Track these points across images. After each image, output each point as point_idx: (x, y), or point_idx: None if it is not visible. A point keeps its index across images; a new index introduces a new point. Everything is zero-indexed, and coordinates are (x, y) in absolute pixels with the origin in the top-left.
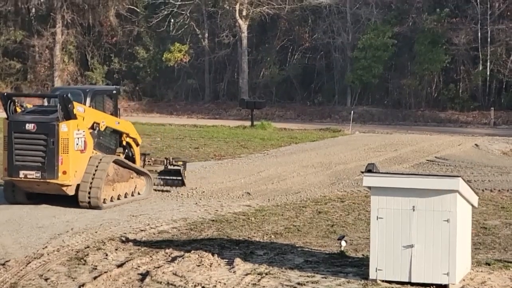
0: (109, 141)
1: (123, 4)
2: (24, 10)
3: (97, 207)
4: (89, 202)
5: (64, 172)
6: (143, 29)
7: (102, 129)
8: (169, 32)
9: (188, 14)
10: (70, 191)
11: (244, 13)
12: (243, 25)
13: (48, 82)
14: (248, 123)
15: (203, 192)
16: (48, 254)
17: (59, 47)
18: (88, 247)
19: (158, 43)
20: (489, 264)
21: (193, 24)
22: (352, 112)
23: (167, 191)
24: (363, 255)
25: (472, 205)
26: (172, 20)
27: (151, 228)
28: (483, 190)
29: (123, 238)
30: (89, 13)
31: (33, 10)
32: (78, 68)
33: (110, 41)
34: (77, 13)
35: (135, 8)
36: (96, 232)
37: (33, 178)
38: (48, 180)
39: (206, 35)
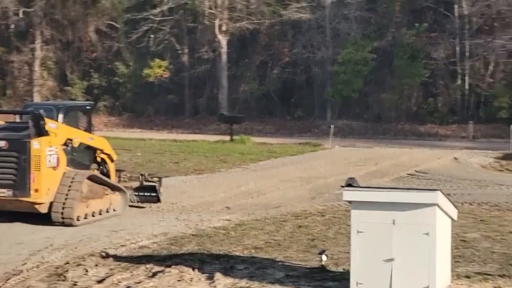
0: (82, 157)
1: (103, 20)
2: (3, 26)
3: (70, 226)
4: (62, 223)
5: (36, 190)
6: (123, 45)
7: (75, 145)
8: (149, 48)
9: (168, 30)
10: (43, 209)
11: (223, 28)
12: (223, 40)
13: (27, 97)
14: (227, 138)
15: (184, 206)
16: (27, 271)
17: (38, 63)
18: (67, 263)
19: (138, 58)
20: (468, 277)
21: (173, 39)
22: (332, 126)
23: (143, 207)
24: (344, 269)
25: (452, 218)
26: (152, 36)
27: (132, 243)
28: (462, 203)
29: (103, 254)
30: (68, 29)
31: (12, 26)
32: (58, 83)
33: (90, 57)
34: (57, 29)
35: (115, 24)
36: (75, 248)
37: (4, 196)
38: (20, 198)
39: (186, 50)
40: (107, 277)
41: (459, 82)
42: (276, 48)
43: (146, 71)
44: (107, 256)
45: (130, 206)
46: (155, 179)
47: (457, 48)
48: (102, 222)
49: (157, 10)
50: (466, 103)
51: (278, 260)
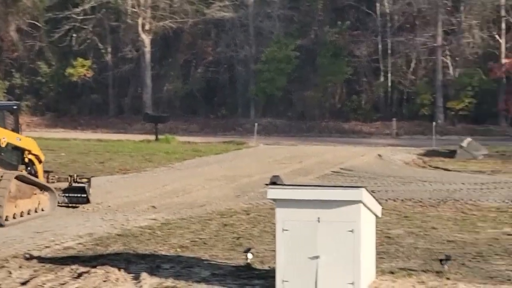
0: (10, 157)
1: (24, 18)
2: None
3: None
4: None
5: None
6: (45, 44)
7: (3, 145)
8: (71, 47)
9: (90, 29)
10: None
11: (147, 27)
12: (146, 39)
13: None
14: (152, 137)
15: (109, 206)
16: None
17: None
18: None
19: (60, 58)
20: (393, 273)
21: (95, 38)
22: (256, 124)
23: (72, 206)
24: (269, 267)
25: (376, 215)
26: (74, 35)
27: (56, 244)
28: (386, 200)
29: (27, 255)
30: None
31: None
32: None
33: (11, 56)
34: None
35: (36, 23)
36: None
37: None
38: None
39: (109, 49)
40: (31, 279)
41: (382, 79)
42: (199, 47)
43: (69, 70)
44: (31, 257)
45: (59, 205)
46: (84, 180)
47: (380, 46)
48: (27, 223)
49: (79, 9)
50: (389, 100)
51: (204, 258)
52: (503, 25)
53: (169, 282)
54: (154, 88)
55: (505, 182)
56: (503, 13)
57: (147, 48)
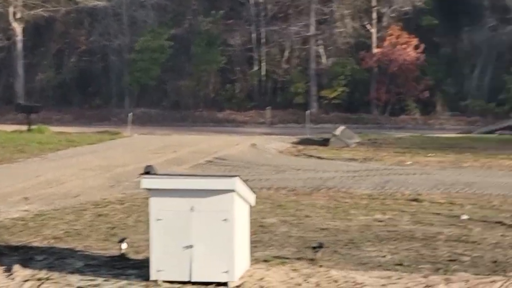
0: None
1: None
2: None
3: None
4: None
5: None
6: None
7: None
8: None
9: None
10: None
11: (18, 15)
12: (18, 28)
13: None
14: (25, 128)
15: None
16: None
17: None
18: None
19: None
20: (267, 261)
21: None
22: (130, 114)
23: None
24: (144, 256)
25: (250, 204)
26: None
27: None
28: (260, 189)
29: None
30: None
31: None
32: None
33: None
34: None
35: None
36: None
37: None
38: None
39: None
40: None
41: (256, 68)
42: (72, 36)
43: None
44: None
45: None
46: None
47: (253, 35)
48: None
49: None
50: (263, 89)
51: (77, 249)
52: (374, 15)
53: (42, 273)
54: (26, 78)
55: (377, 169)
56: (374, 3)
57: (19, 37)
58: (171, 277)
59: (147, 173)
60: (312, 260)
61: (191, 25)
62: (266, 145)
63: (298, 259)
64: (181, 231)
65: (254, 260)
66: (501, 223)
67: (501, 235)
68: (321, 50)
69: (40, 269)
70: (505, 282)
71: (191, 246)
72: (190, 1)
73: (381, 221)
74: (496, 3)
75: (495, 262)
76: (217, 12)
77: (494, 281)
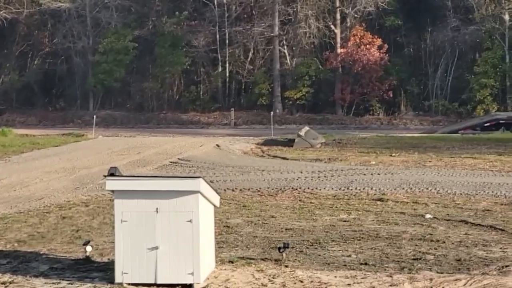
0: None
1: None
2: None
3: None
4: None
5: None
6: None
7: None
8: None
9: None
10: None
11: None
12: None
13: None
14: None
15: None
16: None
17: None
18: None
19: None
20: (232, 262)
21: None
22: (94, 116)
23: None
24: (109, 259)
25: (214, 205)
26: None
27: None
28: (225, 190)
29: None
30: None
31: None
32: None
33: None
34: None
35: None
36: None
37: None
38: None
39: None
40: None
41: (220, 69)
42: (36, 38)
43: None
44: None
45: None
46: None
47: (217, 36)
48: None
49: None
50: (227, 90)
51: (42, 253)
52: (338, 16)
53: (6, 277)
54: None
55: (342, 169)
56: (337, 3)
57: None
58: (136, 279)
59: (111, 174)
60: (277, 261)
61: (155, 26)
62: (230, 146)
63: (264, 259)
64: (146, 233)
65: (220, 261)
66: (464, 221)
67: (465, 234)
68: (285, 50)
69: (4, 272)
70: (468, 280)
71: (156, 248)
72: (153, 2)
73: (346, 221)
74: (458, 3)
75: (459, 260)
76: (181, 13)
77: (458, 279)
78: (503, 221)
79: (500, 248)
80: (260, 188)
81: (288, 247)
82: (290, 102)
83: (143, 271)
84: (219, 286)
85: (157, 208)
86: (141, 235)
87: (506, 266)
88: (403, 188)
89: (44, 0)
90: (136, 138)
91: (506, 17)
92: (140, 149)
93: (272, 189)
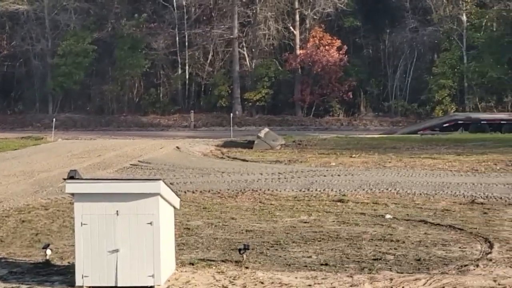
0: None
1: None
2: None
3: None
4: None
5: None
6: None
7: None
8: None
9: None
10: None
11: None
12: None
13: None
14: None
15: None
16: None
17: None
18: None
19: None
20: (193, 264)
21: None
22: (54, 119)
23: None
24: (69, 262)
25: (175, 207)
26: None
27: None
28: (185, 192)
29: None
30: None
31: None
32: None
33: None
34: None
35: None
36: None
37: None
38: None
39: None
40: None
41: (179, 71)
42: None
43: None
44: None
45: None
46: None
47: (177, 38)
48: None
49: None
50: (187, 93)
51: (1, 257)
52: (297, 17)
53: None
54: None
55: (302, 171)
56: (296, 5)
57: None
58: (97, 282)
59: (71, 177)
60: (238, 262)
61: (114, 28)
62: (190, 148)
63: (224, 261)
64: (106, 236)
65: (180, 263)
66: (424, 221)
67: (424, 233)
68: (244, 52)
69: None
70: (428, 280)
71: (116, 251)
72: (112, 4)
73: (306, 222)
74: (416, 4)
75: (418, 260)
76: (140, 16)
77: (417, 279)
78: (462, 220)
79: (459, 248)
80: (220, 190)
81: (248, 249)
82: (250, 103)
83: (104, 274)
84: None
85: (117, 211)
86: (102, 238)
87: (465, 266)
88: (363, 189)
89: (2, 2)
90: (96, 141)
91: (464, 18)
92: (100, 152)
93: (232, 191)
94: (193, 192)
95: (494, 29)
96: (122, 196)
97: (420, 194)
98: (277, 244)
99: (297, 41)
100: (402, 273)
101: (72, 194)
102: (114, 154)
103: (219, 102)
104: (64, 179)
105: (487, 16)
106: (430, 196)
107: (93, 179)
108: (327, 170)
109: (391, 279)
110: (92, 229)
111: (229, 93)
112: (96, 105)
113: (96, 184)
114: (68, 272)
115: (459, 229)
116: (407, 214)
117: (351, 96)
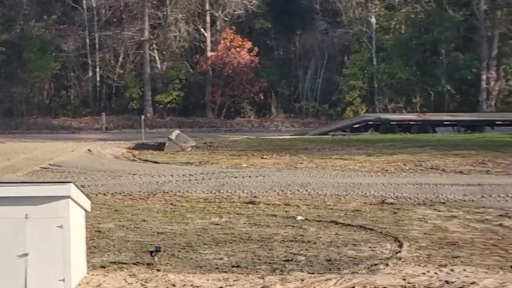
0: None
1: None
2: None
3: None
4: None
5: None
6: None
7: None
8: None
9: None
10: None
11: None
12: None
13: None
14: None
15: None
16: None
17: None
18: None
19: None
20: (104, 267)
21: None
22: None
23: None
24: None
25: (85, 210)
26: None
27: None
28: (96, 194)
29: None
30: None
31: None
32: None
33: None
34: None
35: None
36: None
37: None
38: None
39: None
40: None
41: (90, 74)
42: None
43: None
44: None
45: None
46: None
47: (87, 40)
48: None
49: None
50: (98, 95)
51: None
52: (208, 19)
53: None
54: None
55: (213, 172)
56: (207, 7)
57: None
58: None
59: None
60: (150, 265)
61: (23, 30)
62: (101, 150)
63: (136, 264)
64: (15, 240)
65: (91, 266)
66: (335, 222)
67: (335, 234)
68: (155, 54)
69: None
70: (338, 280)
71: (25, 255)
72: (21, 5)
73: (217, 224)
74: (326, 6)
75: (329, 260)
76: (49, 17)
77: (328, 279)
78: (372, 220)
79: (370, 247)
80: (131, 192)
81: (160, 251)
82: (161, 105)
83: (12, 279)
84: None
85: (26, 214)
86: (10, 242)
87: (375, 265)
88: (275, 190)
89: None
90: (5, 144)
91: (373, 20)
92: (10, 155)
93: (144, 193)
94: (104, 195)
95: (403, 32)
96: (31, 200)
97: (331, 195)
98: (188, 246)
99: (208, 43)
100: (313, 273)
101: None
102: (24, 157)
103: (131, 104)
104: None
105: (395, 19)
106: (341, 197)
107: (1, 182)
108: (238, 172)
109: (302, 280)
110: (0, 233)
111: (140, 95)
112: (5, 107)
113: (4, 187)
114: None
115: (369, 229)
116: (318, 215)
117: (262, 97)
